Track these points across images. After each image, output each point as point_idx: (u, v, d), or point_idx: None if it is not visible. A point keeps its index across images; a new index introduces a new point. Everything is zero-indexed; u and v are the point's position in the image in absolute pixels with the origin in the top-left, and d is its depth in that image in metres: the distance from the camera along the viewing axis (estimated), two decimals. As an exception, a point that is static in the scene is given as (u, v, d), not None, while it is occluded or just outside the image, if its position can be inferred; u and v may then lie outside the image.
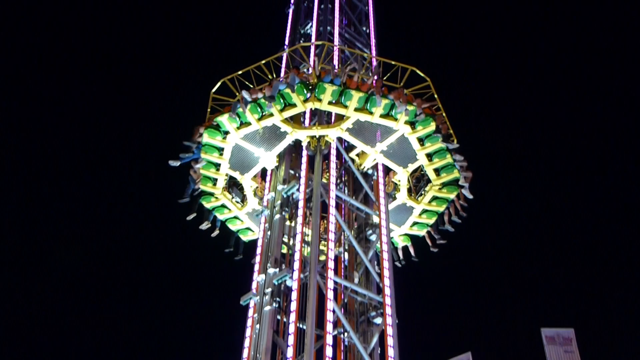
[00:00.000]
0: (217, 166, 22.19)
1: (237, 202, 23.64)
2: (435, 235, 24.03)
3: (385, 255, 19.80)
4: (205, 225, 23.65)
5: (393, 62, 20.68)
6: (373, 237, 21.18)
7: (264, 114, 20.41)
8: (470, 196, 21.86)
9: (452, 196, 22.71)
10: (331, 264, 18.08)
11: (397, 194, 22.76)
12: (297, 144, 21.41)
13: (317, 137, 20.80)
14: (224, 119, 20.66)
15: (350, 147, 22.22)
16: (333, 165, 20.67)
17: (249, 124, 20.71)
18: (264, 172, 22.98)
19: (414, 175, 23.25)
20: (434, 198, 22.92)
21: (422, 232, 24.33)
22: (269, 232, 21.14)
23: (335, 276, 18.20)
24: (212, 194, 23.11)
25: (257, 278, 19.60)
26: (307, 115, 21.04)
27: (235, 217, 24.04)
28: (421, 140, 21.01)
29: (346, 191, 22.76)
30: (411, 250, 24.85)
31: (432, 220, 23.76)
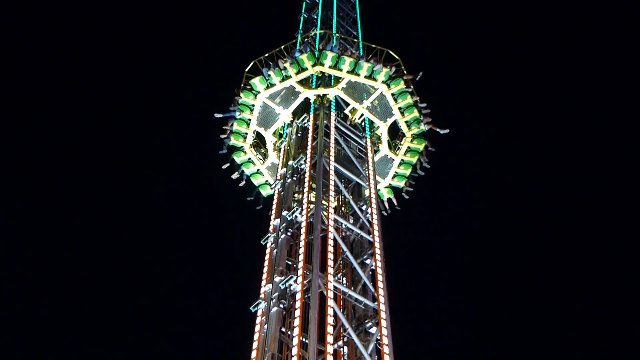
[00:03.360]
0: (248, 122, 30.40)
1: (260, 159, 31.44)
2: (410, 183, 31.49)
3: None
4: (235, 175, 31.25)
5: (373, 45, 29.97)
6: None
7: (285, 76, 29.14)
8: (445, 131, 29.65)
9: (421, 147, 30.65)
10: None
11: (380, 146, 30.67)
12: (306, 102, 29.77)
13: (321, 95, 29.31)
14: (256, 81, 29.37)
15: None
16: (333, 114, 28.83)
17: (273, 85, 29.36)
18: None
19: (395, 140, 31.26)
20: (408, 150, 30.82)
21: (402, 184, 31.76)
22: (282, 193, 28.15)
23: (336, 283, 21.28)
24: (241, 149, 31.00)
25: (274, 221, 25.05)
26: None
27: (258, 172, 31.65)
28: (395, 97, 29.52)
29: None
30: (394, 201, 32.05)
31: (408, 172, 31.35)
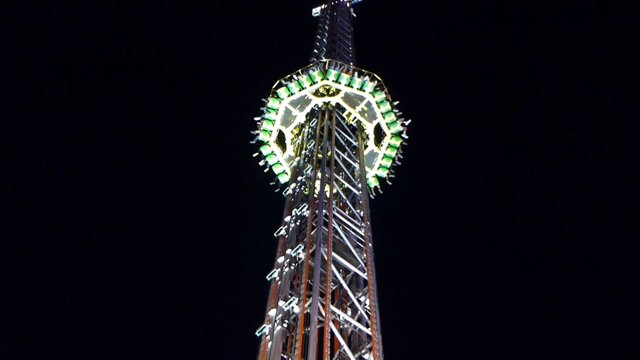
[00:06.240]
0: (273, 122, 42.30)
1: (280, 152, 42.89)
2: (390, 173, 42.49)
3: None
4: (262, 163, 42.51)
5: (363, 70, 42.91)
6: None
7: (301, 87, 41.77)
8: (406, 137, 41.43)
9: (398, 144, 42.17)
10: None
11: (368, 142, 42.17)
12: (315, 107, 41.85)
13: (327, 102, 41.60)
14: (281, 90, 41.91)
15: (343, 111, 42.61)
16: (335, 116, 40.81)
17: (293, 93, 41.84)
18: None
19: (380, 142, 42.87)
20: (389, 145, 42.27)
21: (384, 174, 42.71)
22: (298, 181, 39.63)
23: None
24: (267, 143, 42.57)
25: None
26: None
27: (278, 162, 42.88)
28: (378, 104, 41.77)
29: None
30: (379, 188, 42.75)
31: (389, 163, 42.48)
